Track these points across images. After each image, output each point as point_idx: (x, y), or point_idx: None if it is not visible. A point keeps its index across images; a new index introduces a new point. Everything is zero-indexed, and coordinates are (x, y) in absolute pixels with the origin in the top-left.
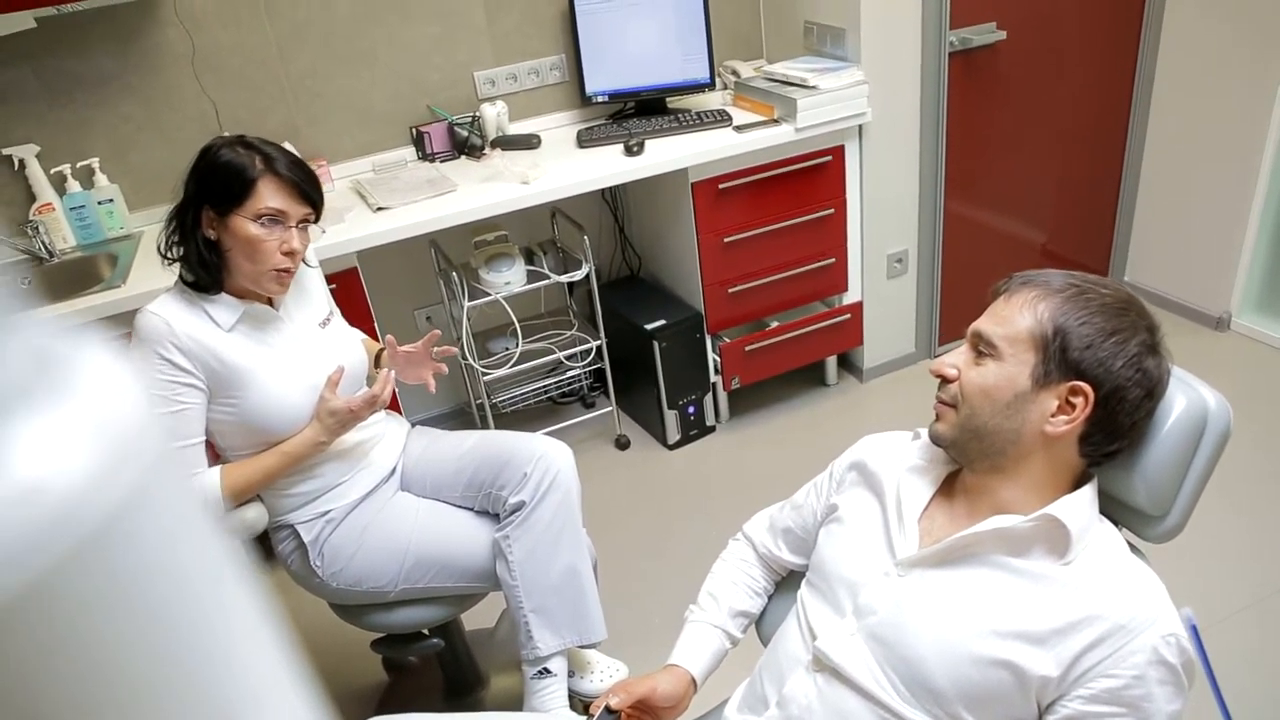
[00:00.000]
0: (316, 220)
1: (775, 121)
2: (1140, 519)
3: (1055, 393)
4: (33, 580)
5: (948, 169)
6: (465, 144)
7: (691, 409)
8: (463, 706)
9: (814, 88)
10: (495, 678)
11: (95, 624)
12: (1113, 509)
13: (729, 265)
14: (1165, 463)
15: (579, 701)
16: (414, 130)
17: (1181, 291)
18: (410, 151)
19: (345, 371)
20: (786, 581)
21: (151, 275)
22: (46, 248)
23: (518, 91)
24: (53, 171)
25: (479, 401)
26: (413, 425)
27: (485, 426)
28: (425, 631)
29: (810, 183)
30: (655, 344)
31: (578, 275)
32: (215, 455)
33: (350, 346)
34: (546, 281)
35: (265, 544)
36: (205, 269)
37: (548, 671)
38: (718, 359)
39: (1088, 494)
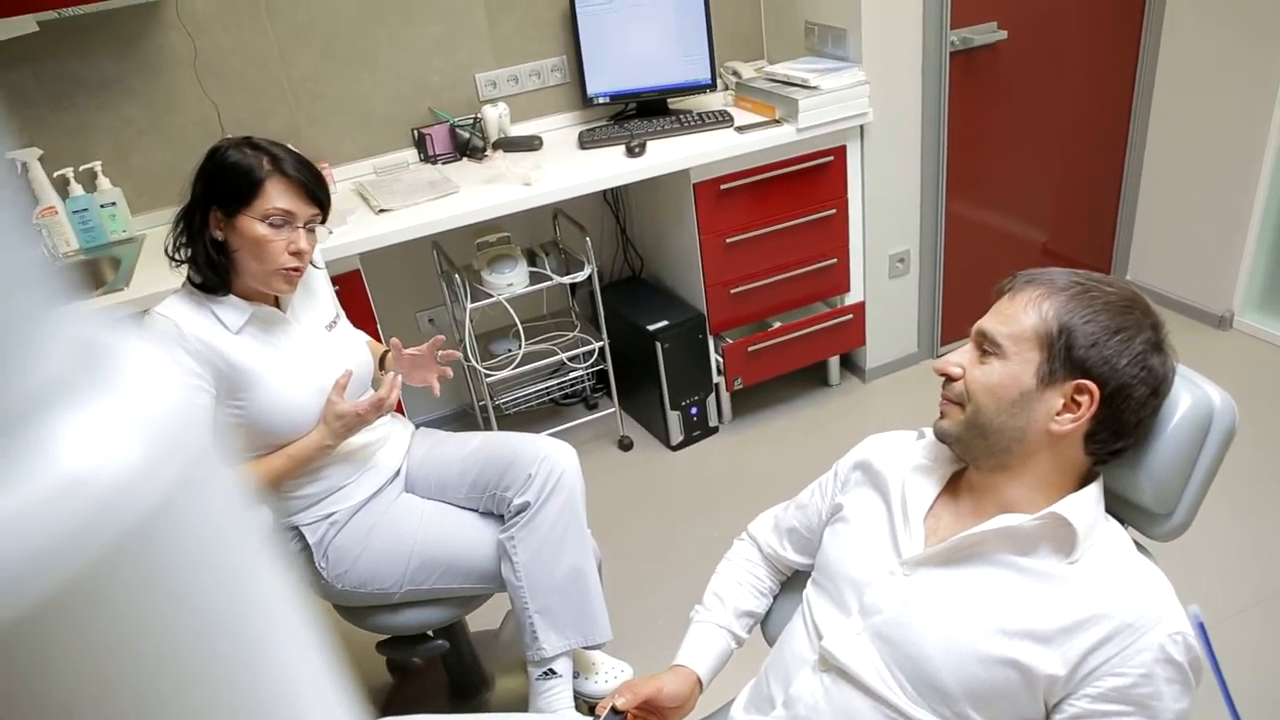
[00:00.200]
0: (324, 221)
1: (777, 122)
2: (1146, 517)
3: (1060, 391)
4: (78, 572)
5: (949, 169)
6: (467, 146)
7: (694, 410)
8: (468, 708)
9: (815, 88)
10: (500, 679)
11: (140, 616)
12: (1119, 507)
13: (731, 266)
14: (1171, 460)
15: (584, 702)
16: (415, 132)
17: (1183, 290)
18: (412, 153)
19: (351, 375)
20: (792, 581)
21: (155, 278)
22: (50, 251)
23: (519, 93)
24: (55, 175)
25: (482, 403)
26: (416, 427)
27: (488, 428)
28: (430, 633)
29: (812, 183)
30: (658, 345)
31: (580, 276)
32: None
33: (356, 349)
34: (549, 283)
35: None
36: (213, 270)
37: (553, 672)
38: (720, 360)
39: (1093, 492)
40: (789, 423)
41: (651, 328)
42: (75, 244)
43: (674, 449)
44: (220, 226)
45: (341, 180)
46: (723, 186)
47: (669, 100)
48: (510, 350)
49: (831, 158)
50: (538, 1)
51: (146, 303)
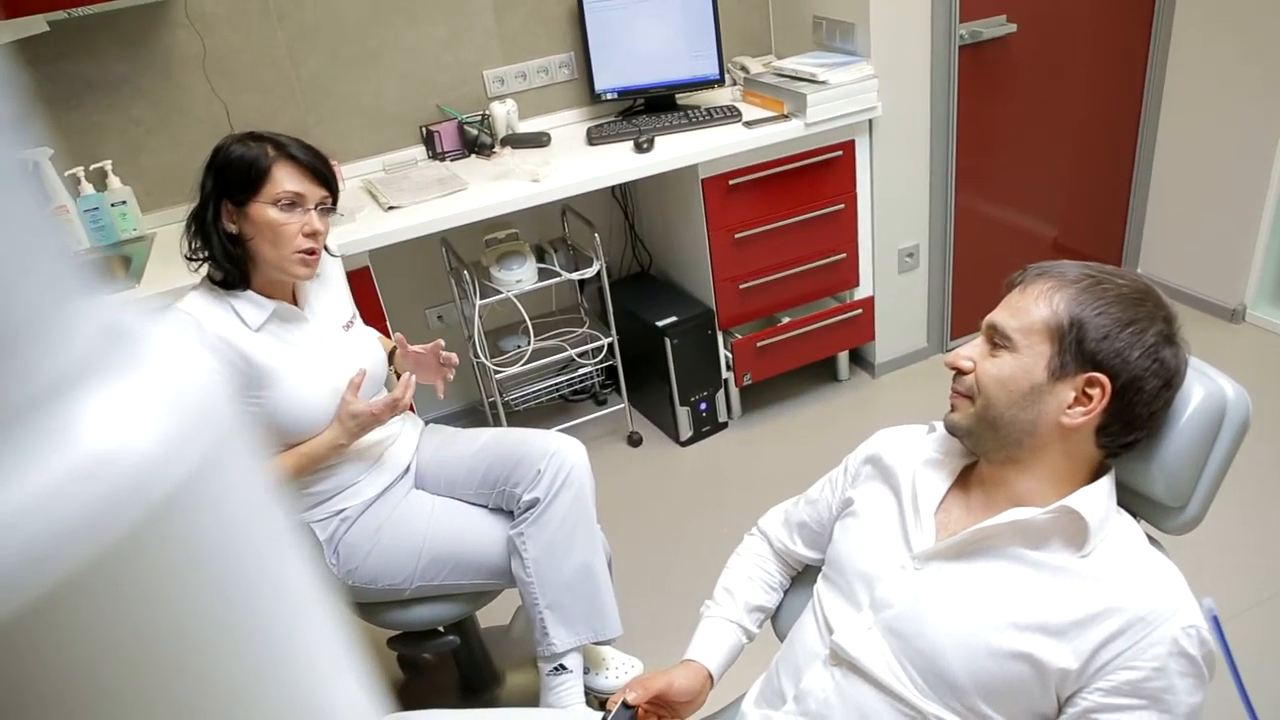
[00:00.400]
0: (334, 205)
1: (785, 117)
2: (1159, 510)
3: (1072, 384)
4: (104, 548)
5: (958, 163)
6: (475, 143)
7: (703, 405)
8: (478, 704)
9: (823, 83)
10: (511, 675)
11: (166, 592)
12: (1131, 500)
13: (740, 261)
14: (1184, 453)
15: (595, 698)
16: (424, 129)
17: (1195, 284)
18: (420, 151)
19: (366, 374)
20: (802, 576)
21: (166, 275)
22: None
23: (527, 90)
24: (66, 174)
25: (491, 399)
26: (425, 424)
27: (498, 424)
28: (440, 629)
29: (820, 178)
30: (667, 341)
31: (589, 273)
32: None
33: (371, 349)
34: (558, 279)
35: None
36: (232, 263)
37: (563, 668)
38: (729, 355)
39: (1105, 485)
40: (798, 418)
41: (660, 323)
42: (87, 243)
43: (683, 445)
44: (233, 219)
45: (350, 178)
46: (731, 182)
47: (677, 96)
48: (519, 346)
49: (840, 152)
50: None
51: (158, 300)
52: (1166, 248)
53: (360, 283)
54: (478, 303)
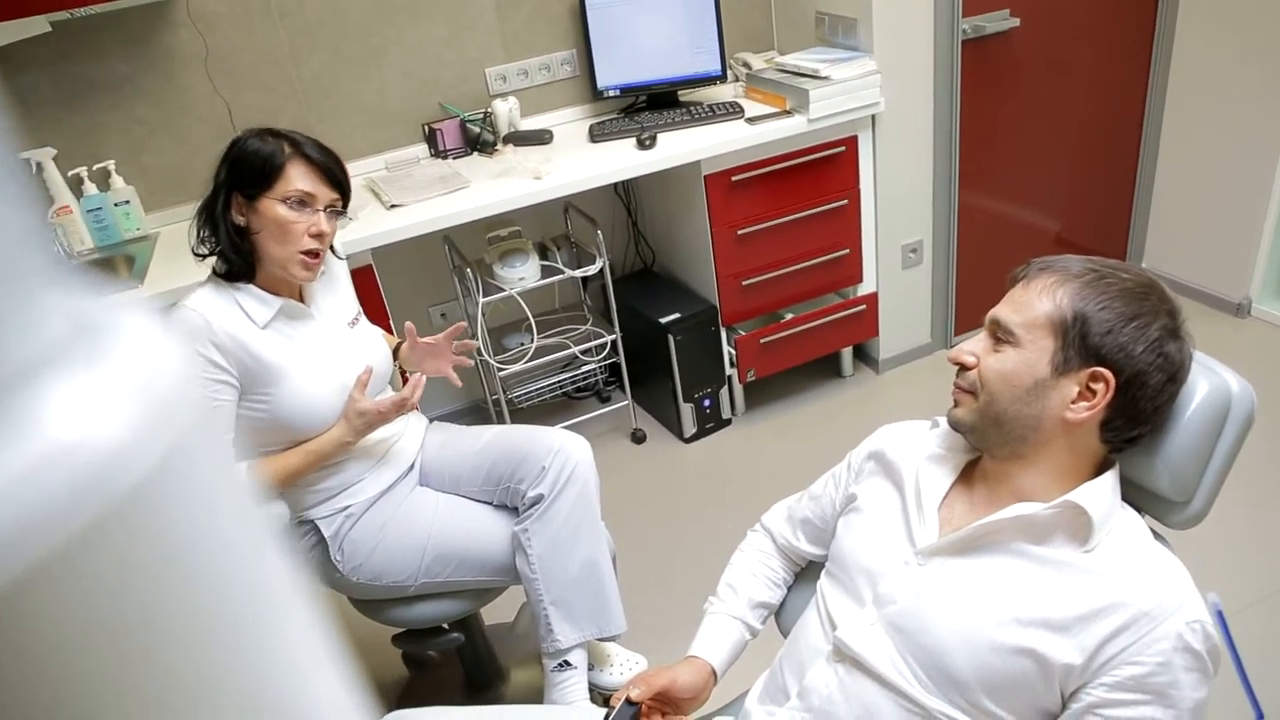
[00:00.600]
0: (344, 208)
1: (787, 113)
2: (1163, 505)
3: (1075, 379)
4: (67, 542)
5: (961, 158)
6: (477, 140)
7: (707, 402)
8: (483, 701)
9: (826, 78)
10: (516, 672)
11: (133, 583)
12: (1135, 495)
13: (743, 258)
14: (1188, 448)
15: (599, 694)
16: (426, 127)
17: (1200, 278)
18: (423, 149)
19: (372, 372)
20: (806, 572)
21: (170, 275)
22: (64, 250)
23: (529, 87)
24: (69, 174)
25: (495, 397)
26: (430, 421)
27: (501, 422)
28: (445, 626)
29: (823, 174)
30: (670, 337)
31: (591, 270)
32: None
33: (376, 346)
34: (560, 276)
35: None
36: (239, 254)
37: (568, 664)
38: (733, 352)
39: (1109, 480)
40: (802, 414)
41: (664, 320)
42: (90, 243)
43: (687, 441)
44: (242, 211)
45: (353, 176)
46: (734, 178)
47: (679, 92)
48: (522, 344)
49: (843, 148)
50: None
51: (162, 300)
52: (1171, 242)
53: (363, 281)
54: (481, 300)
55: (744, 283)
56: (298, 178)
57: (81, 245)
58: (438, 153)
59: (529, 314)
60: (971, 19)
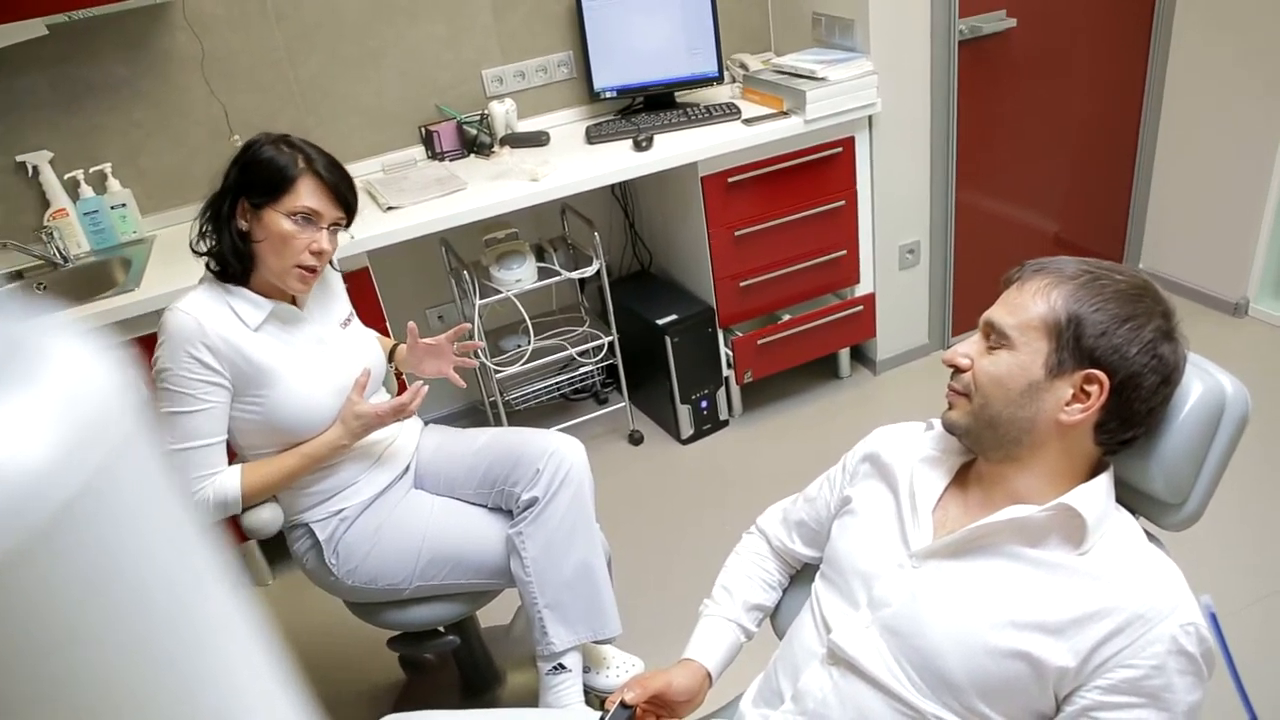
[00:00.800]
0: (348, 225)
1: (784, 114)
2: (1158, 507)
3: (1070, 381)
4: None
5: (959, 158)
6: (474, 142)
7: (704, 403)
8: (480, 703)
9: (823, 79)
10: (512, 674)
11: (58, 605)
12: (1130, 497)
13: (740, 259)
14: (1183, 450)
15: (595, 697)
16: (423, 129)
17: (1198, 278)
18: (420, 151)
19: (370, 374)
20: (801, 575)
21: (166, 278)
22: (61, 253)
23: (526, 89)
24: (66, 177)
25: (492, 399)
26: (426, 424)
27: (498, 424)
28: (441, 629)
29: (820, 175)
30: (667, 339)
31: (589, 271)
32: (233, 455)
33: (370, 347)
34: (557, 278)
35: (281, 542)
36: (237, 258)
37: (562, 667)
38: (730, 353)
39: (1104, 482)
40: (800, 415)
41: (661, 322)
42: (86, 246)
43: (684, 443)
44: (246, 217)
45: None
46: (731, 179)
47: (676, 93)
48: (520, 346)
49: (840, 149)
50: None
51: (158, 303)
52: (1169, 242)
53: (360, 283)
54: (478, 302)
55: (741, 284)
56: (307, 194)
57: (78, 248)
58: (435, 155)
59: (526, 316)
60: (968, 19)
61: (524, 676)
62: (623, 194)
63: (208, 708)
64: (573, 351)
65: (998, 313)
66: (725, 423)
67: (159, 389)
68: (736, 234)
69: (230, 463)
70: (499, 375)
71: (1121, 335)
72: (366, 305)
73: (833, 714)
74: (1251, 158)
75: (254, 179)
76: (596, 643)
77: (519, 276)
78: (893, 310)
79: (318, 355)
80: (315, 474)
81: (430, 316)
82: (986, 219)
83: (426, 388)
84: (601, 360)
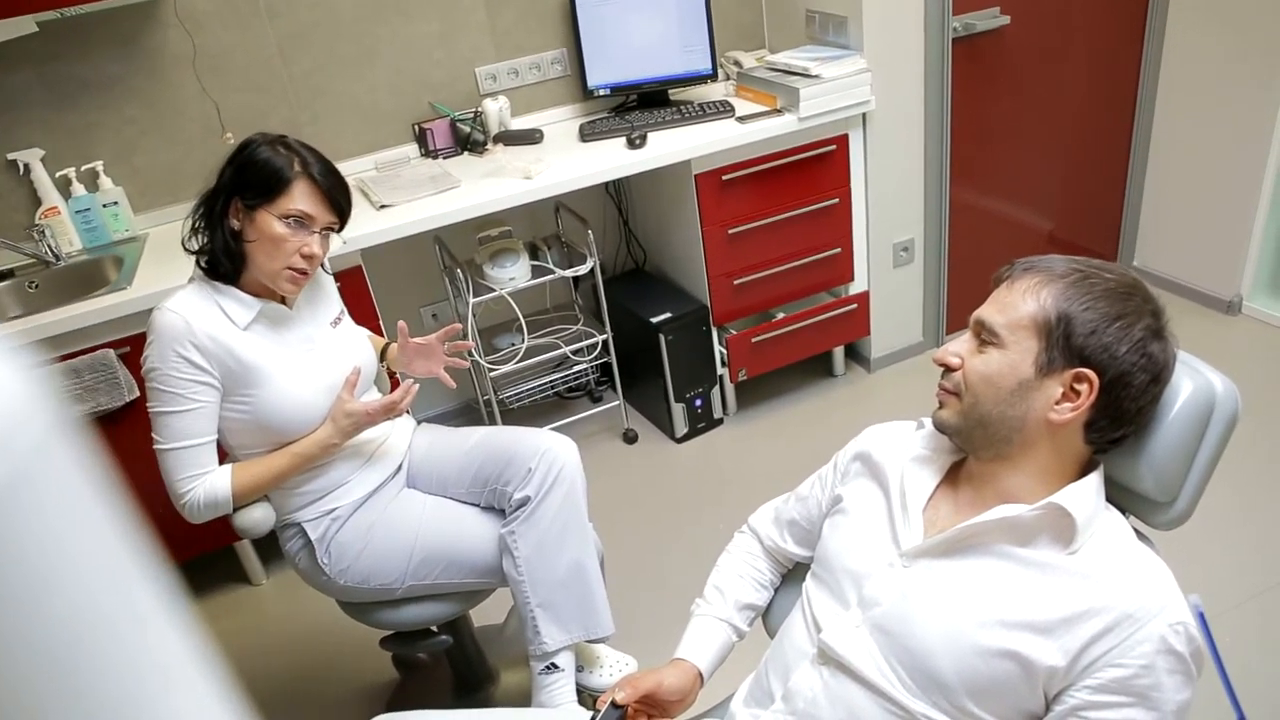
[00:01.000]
0: (340, 229)
1: (778, 111)
2: (1148, 506)
3: (1059, 380)
4: None
5: (953, 156)
6: (468, 140)
7: (699, 402)
8: (473, 703)
9: (816, 77)
10: (505, 674)
11: None
12: (1120, 496)
13: (734, 257)
14: (1172, 448)
15: (588, 696)
16: (416, 127)
17: (1192, 275)
18: (413, 148)
19: (360, 372)
20: (793, 574)
21: (158, 276)
22: (53, 251)
23: (519, 86)
24: (58, 175)
25: (486, 398)
26: (419, 422)
27: (492, 422)
28: (434, 628)
29: (814, 172)
30: (661, 337)
31: (582, 270)
32: (224, 455)
33: (360, 346)
34: (551, 276)
35: (274, 541)
36: (229, 257)
37: (555, 667)
38: (724, 351)
39: (1093, 481)
40: (794, 414)
41: (655, 320)
42: (78, 244)
43: (679, 441)
44: (239, 217)
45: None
46: (725, 177)
47: (670, 91)
48: (513, 344)
49: (834, 146)
50: None
51: (150, 301)
52: (1163, 240)
53: (352, 282)
54: (471, 301)
55: (735, 282)
56: (300, 197)
57: (70, 246)
58: (428, 152)
59: (520, 314)
60: (962, 17)
61: (518, 676)
62: (617, 192)
63: (131, 713)
64: (567, 350)
65: (988, 311)
66: (719, 421)
67: (148, 388)
68: (730, 232)
69: (221, 463)
70: (493, 373)
71: (1111, 334)
72: (360, 303)
73: (823, 714)
74: (1245, 156)
75: (249, 179)
76: (589, 642)
77: (513, 275)
78: (887, 308)
79: (307, 354)
80: (307, 473)
81: (424, 315)
82: (980, 217)
83: (417, 386)
84: (595, 359)
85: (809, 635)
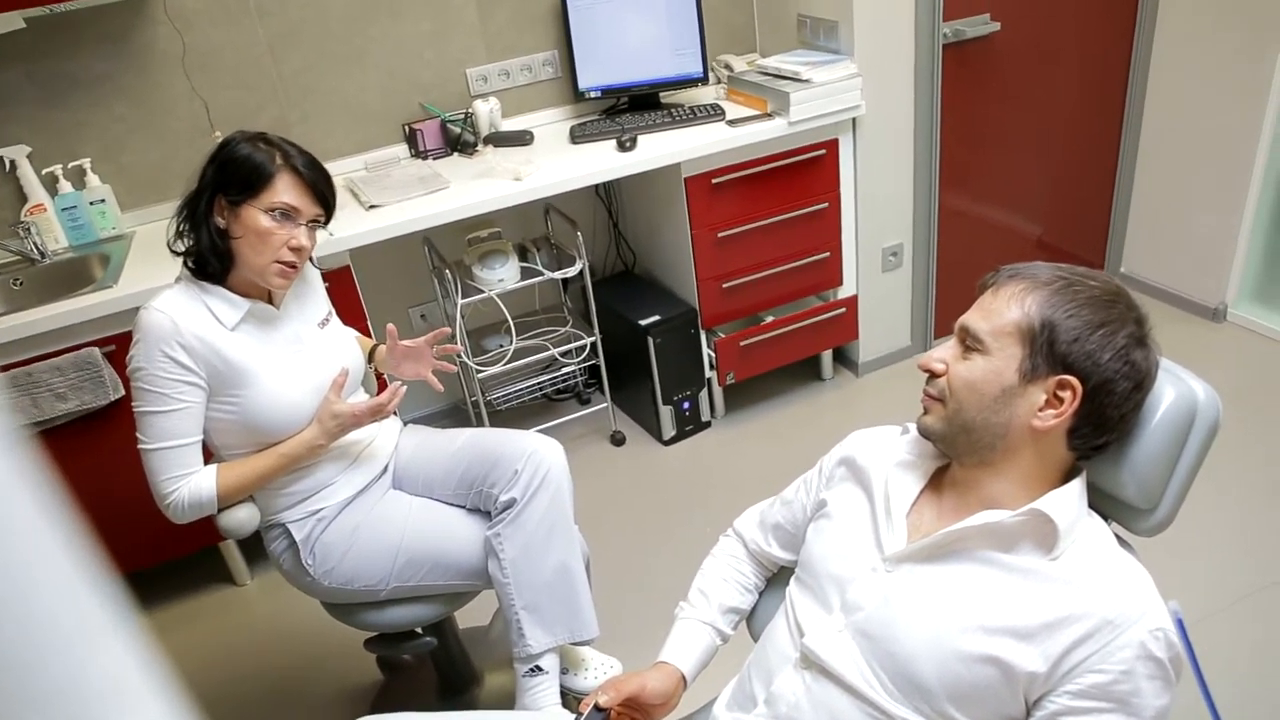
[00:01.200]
0: (326, 222)
1: (768, 115)
2: (1130, 512)
3: (1043, 386)
4: None
5: (942, 162)
6: (458, 141)
7: (686, 405)
8: (457, 705)
9: (807, 81)
10: (490, 676)
11: None
12: (1102, 502)
13: (723, 260)
14: (1154, 456)
15: (573, 699)
16: (406, 127)
17: (1177, 283)
18: (403, 149)
19: (348, 374)
20: (778, 577)
21: (145, 275)
22: (38, 248)
23: (510, 88)
24: (44, 172)
25: (474, 399)
26: (405, 424)
27: (480, 424)
28: (418, 630)
29: (804, 177)
30: (650, 340)
31: (571, 271)
32: (209, 454)
33: (348, 347)
34: (540, 278)
35: (259, 542)
36: (216, 256)
37: (539, 669)
38: (713, 354)
39: (1076, 488)
40: (782, 417)
41: (644, 323)
42: (64, 241)
43: (666, 444)
44: (224, 214)
45: (332, 176)
46: (714, 180)
47: (661, 94)
48: (502, 346)
49: (824, 151)
50: None
51: (136, 300)
52: (1149, 247)
53: (341, 282)
54: (460, 302)
55: (724, 285)
56: (284, 190)
57: (56, 244)
58: (418, 153)
59: (508, 316)
60: (952, 23)
61: (502, 678)
62: (606, 194)
63: (50, 678)
64: (555, 352)
65: (972, 318)
66: (707, 424)
67: (134, 388)
68: (720, 235)
69: (206, 463)
70: (481, 375)
71: (1094, 341)
72: (348, 304)
73: (805, 718)
74: (1231, 164)
75: (231, 176)
76: (574, 644)
77: (501, 276)
78: (875, 312)
79: (295, 355)
80: (292, 474)
81: (413, 315)
82: (969, 222)
83: (405, 388)
84: (584, 361)
85: (792, 639)
